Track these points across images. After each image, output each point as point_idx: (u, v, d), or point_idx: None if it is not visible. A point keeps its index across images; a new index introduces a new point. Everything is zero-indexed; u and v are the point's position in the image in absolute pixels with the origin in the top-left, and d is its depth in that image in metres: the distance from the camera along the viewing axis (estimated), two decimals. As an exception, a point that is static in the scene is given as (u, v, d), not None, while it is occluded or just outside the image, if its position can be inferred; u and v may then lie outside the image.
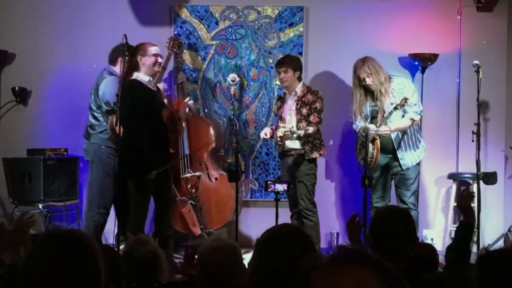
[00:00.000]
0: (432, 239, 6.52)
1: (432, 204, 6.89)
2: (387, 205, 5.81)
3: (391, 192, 6.15)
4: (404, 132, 5.97)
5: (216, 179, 6.43)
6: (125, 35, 5.39)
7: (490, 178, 6.33)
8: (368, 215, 5.50)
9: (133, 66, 5.42)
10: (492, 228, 6.58)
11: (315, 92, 6.05)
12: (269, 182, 5.54)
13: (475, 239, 5.86)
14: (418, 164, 6.10)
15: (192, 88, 6.74)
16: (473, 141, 5.94)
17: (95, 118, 6.11)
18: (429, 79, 6.76)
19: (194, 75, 6.88)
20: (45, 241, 1.81)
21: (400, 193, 6.06)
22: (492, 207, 6.70)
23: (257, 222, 6.76)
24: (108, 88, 5.88)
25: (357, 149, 6.12)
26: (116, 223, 5.54)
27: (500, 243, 6.38)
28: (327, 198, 6.83)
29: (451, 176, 6.69)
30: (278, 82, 6.87)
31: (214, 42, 6.90)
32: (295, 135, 5.78)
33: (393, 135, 5.92)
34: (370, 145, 5.88)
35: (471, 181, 6.68)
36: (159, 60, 5.53)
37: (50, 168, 6.39)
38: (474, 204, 5.80)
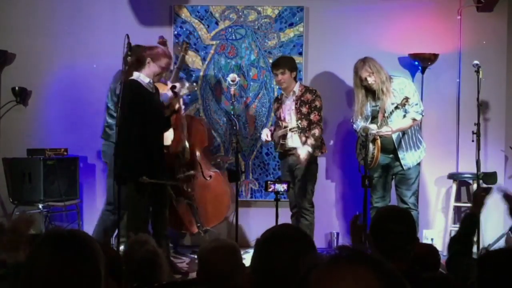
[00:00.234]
0: (432, 239, 6.52)
1: (432, 204, 6.89)
2: (388, 205, 5.81)
3: (391, 192, 6.15)
4: (404, 132, 5.97)
5: (210, 177, 6.45)
6: (127, 35, 5.38)
7: (490, 178, 6.33)
8: (368, 215, 5.50)
9: (138, 63, 5.36)
10: (492, 228, 6.58)
11: (314, 91, 6.07)
12: (269, 182, 5.54)
13: (475, 238, 5.86)
14: (419, 164, 6.10)
15: (191, 88, 6.71)
16: (473, 141, 5.94)
17: (113, 117, 6.07)
18: (429, 79, 6.76)
19: (194, 75, 6.88)
20: (46, 241, 1.81)
21: (400, 193, 6.06)
22: (492, 207, 6.66)
23: (257, 222, 6.77)
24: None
25: (357, 149, 6.12)
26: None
27: (500, 243, 6.38)
28: (327, 198, 6.83)
29: (451, 176, 6.69)
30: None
31: (214, 42, 6.90)
32: (298, 130, 5.84)
33: (394, 135, 5.92)
34: (371, 145, 5.88)
35: (471, 181, 6.68)
36: (164, 74, 5.51)
37: (50, 168, 6.38)
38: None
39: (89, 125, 6.79)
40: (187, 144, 6.14)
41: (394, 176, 6.11)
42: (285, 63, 6.02)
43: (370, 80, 5.88)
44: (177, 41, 6.87)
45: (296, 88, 6.07)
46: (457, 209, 6.79)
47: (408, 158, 5.99)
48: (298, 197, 6.05)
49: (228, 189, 6.56)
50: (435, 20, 6.83)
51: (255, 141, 6.89)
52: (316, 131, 5.93)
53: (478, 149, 5.91)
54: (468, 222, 3.44)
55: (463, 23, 6.83)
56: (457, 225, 6.66)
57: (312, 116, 5.99)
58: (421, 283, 2.67)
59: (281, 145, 6.09)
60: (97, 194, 6.99)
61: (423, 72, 6.72)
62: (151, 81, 5.37)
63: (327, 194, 6.84)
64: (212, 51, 6.89)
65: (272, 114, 6.83)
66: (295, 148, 6.04)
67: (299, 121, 5.91)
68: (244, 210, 6.73)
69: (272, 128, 6.32)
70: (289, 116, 6.09)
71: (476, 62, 6.05)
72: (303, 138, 5.99)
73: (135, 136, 5.23)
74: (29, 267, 1.79)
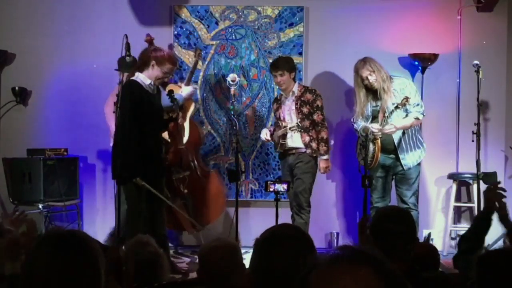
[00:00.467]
0: (432, 239, 6.52)
1: (432, 204, 6.89)
2: (388, 205, 5.82)
3: (392, 192, 6.15)
4: (405, 132, 5.97)
5: (205, 176, 6.46)
6: (126, 35, 5.38)
7: (490, 178, 6.33)
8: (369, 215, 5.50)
9: (142, 63, 5.33)
10: (492, 228, 6.56)
11: (313, 91, 6.08)
12: (269, 182, 5.54)
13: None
14: (419, 164, 6.10)
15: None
16: (473, 141, 5.94)
17: None
18: (429, 79, 6.76)
19: (194, 75, 6.87)
20: (46, 241, 1.81)
21: (400, 193, 6.06)
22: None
23: (257, 222, 6.77)
24: None
25: (357, 149, 6.12)
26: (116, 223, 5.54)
27: (500, 243, 6.38)
28: (327, 198, 6.83)
29: (451, 176, 6.69)
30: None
31: (214, 42, 6.90)
32: (298, 129, 5.87)
33: (394, 135, 5.93)
34: (371, 145, 5.88)
35: (471, 181, 6.68)
36: (166, 79, 5.49)
37: (50, 168, 6.38)
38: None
39: (89, 125, 6.79)
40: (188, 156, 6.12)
41: (394, 176, 6.11)
42: (284, 65, 6.02)
43: (371, 79, 5.88)
44: (177, 41, 6.87)
45: (295, 88, 6.08)
46: (457, 209, 6.79)
47: (408, 158, 5.99)
48: (295, 195, 6.05)
49: (222, 188, 6.59)
50: (435, 20, 6.83)
51: (255, 141, 6.89)
52: (324, 135, 5.99)
53: (478, 149, 5.91)
54: (480, 221, 3.45)
55: (463, 23, 6.83)
56: (457, 225, 6.69)
57: (315, 116, 6.00)
58: (421, 283, 2.67)
59: (281, 145, 6.10)
60: (97, 194, 6.99)
61: (423, 72, 6.72)
62: (152, 82, 5.34)
63: (327, 194, 6.84)
64: (212, 51, 6.89)
65: (272, 114, 6.83)
66: (295, 148, 6.05)
67: (299, 121, 5.94)
68: (244, 210, 6.73)
69: (272, 128, 6.32)
70: (289, 116, 6.10)
71: (476, 62, 6.05)
72: (306, 138, 6.00)
73: (134, 136, 5.22)
74: (29, 267, 1.79)
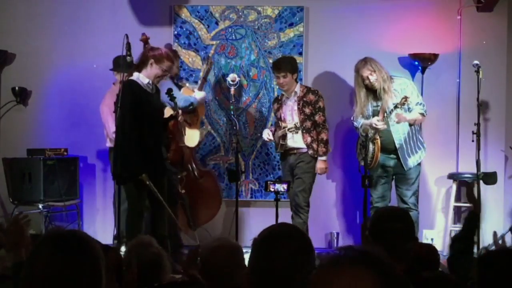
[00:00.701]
0: (432, 239, 6.51)
1: (432, 204, 6.89)
2: (386, 206, 5.83)
3: (392, 192, 6.15)
4: (405, 132, 5.96)
5: (201, 176, 6.47)
6: (126, 35, 5.38)
7: (490, 178, 6.33)
8: (368, 215, 5.50)
9: (140, 63, 5.34)
10: (492, 228, 6.57)
11: (316, 92, 6.09)
12: (269, 182, 5.54)
13: (475, 238, 5.86)
14: (419, 164, 6.10)
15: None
16: (473, 141, 5.94)
17: None
18: (429, 79, 6.76)
19: (194, 75, 6.88)
20: (46, 241, 1.81)
21: (401, 193, 6.06)
22: (492, 207, 6.70)
23: (257, 222, 6.77)
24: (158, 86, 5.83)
25: (358, 149, 6.12)
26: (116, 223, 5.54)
27: (500, 243, 6.38)
28: (327, 198, 6.83)
29: (451, 176, 6.69)
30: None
31: (214, 42, 6.90)
32: (296, 130, 5.86)
33: (395, 135, 5.93)
34: (371, 145, 5.88)
35: (471, 181, 6.68)
36: (165, 76, 5.49)
37: (50, 168, 6.39)
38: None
39: (89, 125, 6.79)
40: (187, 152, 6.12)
41: (394, 176, 6.11)
42: (287, 66, 5.99)
43: (372, 78, 5.89)
44: (177, 41, 6.87)
45: (297, 88, 6.08)
46: (457, 209, 6.79)
47: (409, 158, 5.99)
48: (295, 195, 6.05)
49: (218, 188, 6.60)
50: (435, 20, 6.83)
51: (255, 141, 6.89)
52: (324, 136, 6.00)
53: (478, 149, 5.91)
54: (470, 222, 3.45)
55: (463, 23, 6.83)
56: (457, 225, 6.68)
57: (316, 117, 6.01)
58: (421, 283, 2.67)
59: (281, 145, 6.09)
60: (97, 194, 6.99)
61: (423, 72, 6.72)
62: (151, 81, 5.34)
63: (327, 194, 6.84)
64: (212, 51, 6.89)
65: (272, 114, 6.83)
66: (296, 148, 6.05)
67: (297, 122, 5.92)
68: (244, 210, 6.73)
69: (273, 128, 6.31)
70: (291, 116, 6.09)
71: (476, 62, 6.05)
72: (308, 139, 6.00)
73: (133, 136, 5.22)
74: (29, 267, 1.79)
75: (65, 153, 6.59)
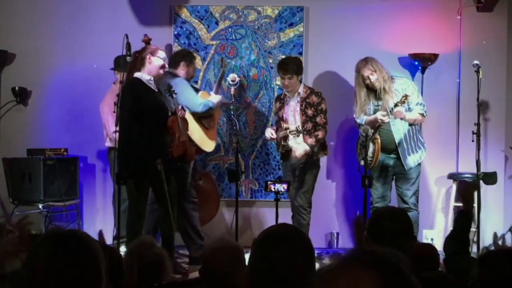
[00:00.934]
0: (432, 239, 6.51)
1: (432, 204, 6.89)
2: (384, 205, 5.83)
3: (392, 192, 6.15)
4: (406, 132, 5.96)
5: (200, 178, 6.47)
6: (126, 35, 5.39)
7: (490, 178, 6.33)
8: (368, 215, 5.50)
9: (138, 63, 5.37)
10: (492, 228, 6.58)
11: (319, 94, 6.07)
12: (269, 182, 5.54)
13: (475, 239, 5.87)
14: (419, 164, 6.10)
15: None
16: (473, 141, 5.94)
17: None
18: (429, 79, 6.76)
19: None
20: (46, 241, 1.81)
21: (401, 193, 6.06)
22: (492, 207, 6.70)
23: (257, 222, 6.77)
24: (179, 89, 5.84)
25: (358, 149, 6.11)
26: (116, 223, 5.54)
27: (500, 243, 6.38)
28: (327, 198, 6.83)
29: (451, 176, 6.69)
30: (278, 83, 6.88)
31: (214, 42, 6.90)
32: (297, 134, 5.83)
33: (396, 135, 5.93)
34: (371, 145, 5.88)
35: (471, 181, 6.67)
36: (166, 64, 5.53)
37: (50, 168, 6.39)
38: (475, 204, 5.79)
39: (89, 125, 6.79)
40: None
41: (394, 176, 6.11)
42: (293, 68, 5.95)
43: (373, 78, 5.88)
44: (177, 41, 6.88)
45: (301, 89, 6.06)
46: (457, 209, 6.78)
47: (409, 158, 5.99)
48: (297, 196, 6.05)
49: (216, 189, 6.61)
50: (435, 20, 6.83)
51: (255, 141, 6.89)
52: (320, 134, 5.96)
53: (478, 149, 5.90)
54: (462, 220, 3.44)
55: (463, 23, 6.83)
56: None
57: (318, 119, 5.99)
58: (421, 283, 2.67)
59: (282, 146, 6.07)
60: (97, 194, 6.99)
61: (423, 72, 6.72)
62: (152, 78, 5.37)
63: (327, 194, 6.84)
64: (212, 51, 6.89)
65: (272, 114, 6.82)
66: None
67: (299, 125, 5.88)
68: (244, 210, 6.73)
69: (274, 127, 6.27)
70: (293, 117, 6.07)
71: (476, 62, 6.05)
72: (309, 140, 5.99)
73: (134, 135, 5.23)
74: (29, 267, 1.79)
75: (65, 153, 6.60)
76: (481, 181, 6.11)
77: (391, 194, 6.15)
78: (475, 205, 6.29)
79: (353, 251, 1.31)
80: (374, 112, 5.95)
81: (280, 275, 2.01)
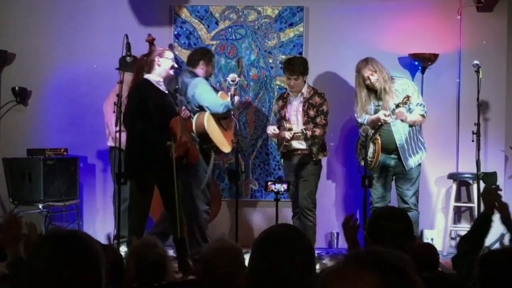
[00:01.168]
0: (432, 239, 6.52)
1: (432, 204, 6.89)
2: (384, 205, 5.83)
3: (392, 192, 6.15)
4: (407, 133, 5.96)
5: None
6: (126, 35, 5.39)
7: (490, 178, 6.33)
8: (368, 215, 5.50)
9: (147, 66, 5.42)
10: (492, 228, 6.56)
11: (322, 95, 6.05)
12: (269, 182, 5.53)
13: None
14: (420, 164, 6.10)
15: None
16: (473, 141, 5.94)
17: None
18: (429, 79, 6.76)
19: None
20: (46, 241, 1.81)
21: (401, 193, 6.06)
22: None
23: (257, 222, 6.77)
24: (199, 89, 5.85)
25: (358, 149, 6.11)
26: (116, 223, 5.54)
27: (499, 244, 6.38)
28: (327, 198, 6.83)
29: (451, 176, 6.69)
30: (278, 82, 6.88)
31: (214, 42, 6.90)
32: (302, 136, 5.82)
33: (396, 136, 5.92)
34: (371, 146, 5.88)
35: (471, 181, 6.68)
36: (175, 64, 5.56)
37: (50, 168, 6.39)
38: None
39: (89, 125, 6.79)
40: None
41: (394, 176, 6.11)
42: (299, 69, 5.93)
43: (373, 79, 5.88)
44: (177, 41, 6.88)
45: (305, 89, 6.05)
46: (457, 209, 6.79)
47: (410, 158, 5.99)
48: (302, 198, 6.04)
49: (217, 189, 6.61)
50: (435, 20, 6.83)
51: (255, 141, 6.89)
52: (318, 131, 5.92)
53: (478, 149, 5.91)
54: (480, 223, 3.46)
55: (463, 23, 6.83)
56: (457, 225, 6.69)
57: (318, 120, 5.97)
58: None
59: (284, 145, 6.05)
60: (97, 194, 6.99)
61: (423, 72, 6.72)
62: (162, 80, 5.42)
63: (327, 194, 6.83)
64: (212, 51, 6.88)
65: (272, 114, 6.82)
66: (300, 149, 6.01)
67: (304, 127, 5.84)
68: (244, 210, 6.73)
69: (276, 126, 6.20)
70: (295, 117, 6.06)
71: (476, 62, 6.05)
72: (309, 141, 5.97)
73: (137, 134, 5.25)
74: (30, 267, 1.79)
75: (65, 153, 6.60)
76: (481, 181, 6.11)
77: (391, 194, 6.15)
78: (475, 205, 6.30)
79: (355, 252, 1.31)
80: (375, 112, 5.94)
81: (280, 275, 2.01)
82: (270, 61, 6.84)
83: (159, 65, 5.39)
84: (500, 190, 3.68)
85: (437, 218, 6.85)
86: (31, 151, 6.49)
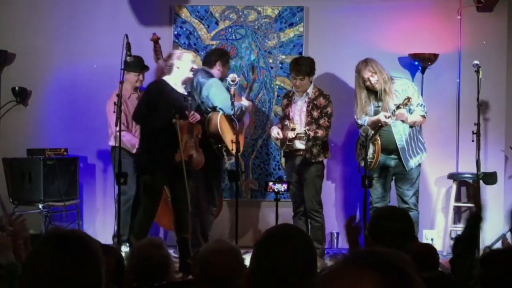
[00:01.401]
0: (432, 239, 6.52)
1: (432, 204, 6.89)
2: (385, 205, 5.82)
3: (392, 192, 6.14)
4: (407, 133, 5.95)
5: None
6: (126, 35, 5.40)
7: (490, 178, 6.33)
8: (368, 215, 5.50)
9: (167, 69, 5.53)
10: (492, 228, 6.58)
11: (327, 96, 6.04)
12: (269, 182, 5.53)
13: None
14: (419, 164, 6.10)
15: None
16: (473, 141, 5.94)
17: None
18: (429, 79, 6.76)
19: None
20: (46, 241, 1.81)
21: (401, 193, 6.06)
22: (492, 207, 6.69)
23: (257, 222, 6.77)
24: (214, 89, 5.86)
25: (357, 150, 6.10)
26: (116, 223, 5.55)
27: (500, 244, 6.38)
28: (327, 198, 6.82)
29: (451, 176, 6.69)
30: (278, 82, 6.88)
31: (214, 42, 6.90)
32: (305, 137, 5.82)
33: (396, 136, 5.92)
34: (371, 147, 5.87)
35: (471, 181, 6.68)
36: (194, 66, 5.63)
37: (50, 168, 6.38)
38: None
39: (89, 125, 6.79)
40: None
41: (394, 176, 6.10)
42: (306, 70, 5.93)
43: (373, 80, 5.88)
44: (177, 41, 6.87)
45: (310, 90, 6.03)
46: (457, 209, 6.79)
47: (410, 159, 5.98)
48: (307, 200, 6.04)
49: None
50: (435, 20, 6.83)
51: (255, 141, 6.89)
52: (320, 132, 5.90)
53: (478, 149, 5.90)
54: (472, 223, 3.45)
55: (463, 23, 6.83)
56: (458, 225, 6.69)
57: (321, 121, 5.95)
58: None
59: (287, 145, 6.04)
60: (97, 194, 6.99)
61: (423, 72, 6.72)
62: (180, 83, 5.52)
63: (327, 194, 6.82)
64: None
65: (272, 114, 6.82)
66: (303, 150, 6.00)
67: (307, 128, 5.82)
68: (244, 210, 6.73)
69: (280, 126, 6.20)
70: (299, 117, 6.04)
71: (476, 62, 6.05)
72: (309, 142, 5.95)
73: (144, 133, 5.35)
74: (29, 267, 1.79)
75: (65, 153, 6.59)
76: (481, 181, 6.11)
77: (391, 194, 6.15)
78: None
79: (354, 252, 1.30)
80: (375, 113, 5.94)
81: (282, 275, 2.01)
82: (270, 61, 6.84)
83: (178, 68, 5.50)
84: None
85: (437, 218, 6.85)
86: (31, 151, 6.49)
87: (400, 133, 5.94)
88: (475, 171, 6.00)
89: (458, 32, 6.82)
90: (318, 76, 6.84)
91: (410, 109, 5.89)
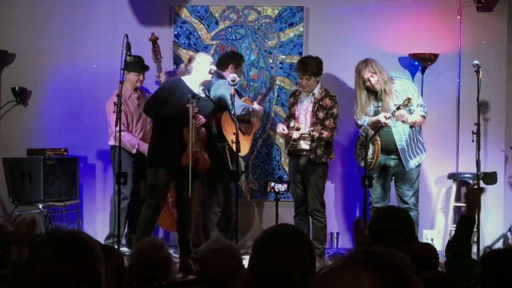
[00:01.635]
0: (432, 239, 6.52)
1: (432, 204, 6.89)
2: (386, 205, 5.82)
3: (391, 192, 6.15)
4: (407, 134, 5.95)
5: None
6: (126, 35, 5.40)
7: (490, 178, 6.33)
8: (368, 215, 5.50)
9: (187, 72, 5.59)
10: (492, 228, 6.58)
11: (334, 97, 6.02)
12: (269, 182, 5.53)
13: (475, 239, 5.86)
14: (419, 164, 6.10)
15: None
16: (473, 141, 5.94)
17: None
18: (429, 79, 6.76)
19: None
20: (46, 241, 1.81)
21: (401, 193, 6.06)
22: (492, 207, 6.70)
23: (257, 222, 6.76)
24: (221, 90, 5.88)
25: (357, 150, 6.10)
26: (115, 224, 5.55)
27: (500, 244, 6.38)
28: (327, 198, 6.79)
29: (451, 176, 6.69)
30: (278, 82, 6.87)
31: (214, 42, 6.90)
32: (309, 137, 5.82)
33: (396, 136, 5.92)
34: (371, 147, 5.87)
35: (471, 181, 6.68)
36: (213, 68, 5.67)
37: (50, 168, 6.38)
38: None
39: (89, 125, 6.79)
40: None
41: (393, 177, 6.10)
42: (312, 70, 5.92)
43: (373, 80, 5.87)
44: (177, 41, 6.87)
45: (317, 90, 6.02)
46: (457, 209, 6.79)
47: (410, 159, 5.98)
48: (310, 199, 6.04)
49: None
50: (435, 20, 6.83)
51: (255, 141, 6.88)
52: (325, 133, 5.88)
53: (478, 149, 5.90)
54: (464, 225, 3.43)
55: (463, 23, 6.83)
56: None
57: (326, 122, 5.94)
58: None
59: (291, 144, 6.04)
60: (97, 194, 6.99)
61: (423, 72, 6.72)
62: (197, 85, 5.58)
63: (327, 194, 6.80)
64: (212, 51, 6.88)
65: (272, 114, 6.82)
66: (307, 150, 5.99)
67: (312, 129, 5.80)
68: (244, 210, 6.73)
69: (286, 124, 6.17)
70: (304, 116, 6.03)
71: (476, 62, 6.04)
72: (313, 143, 5.95)
73: (156, 129, 5.46)
74: (29, 267, 1.79)
75: (65, 153, 6.59)
76: (481, 181, 6.11)
77: (391, 194, 6.15)
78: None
79: (353, 252, 1.30)
80: (375, 114, 5.94)
81: (281, 274, 2.01)
82: (270, 61, 6.83)
83: (197, 70, 5.55)
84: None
85: (437, 218, 6.86)
86: (31, 151, 6.49)
87: (400, 133, 5.94)
88: (475, 171, 6.00)
89: (458, 32, 6.82)
90: (318, 76, 6.85)
91: (410, 109, 5.89)
